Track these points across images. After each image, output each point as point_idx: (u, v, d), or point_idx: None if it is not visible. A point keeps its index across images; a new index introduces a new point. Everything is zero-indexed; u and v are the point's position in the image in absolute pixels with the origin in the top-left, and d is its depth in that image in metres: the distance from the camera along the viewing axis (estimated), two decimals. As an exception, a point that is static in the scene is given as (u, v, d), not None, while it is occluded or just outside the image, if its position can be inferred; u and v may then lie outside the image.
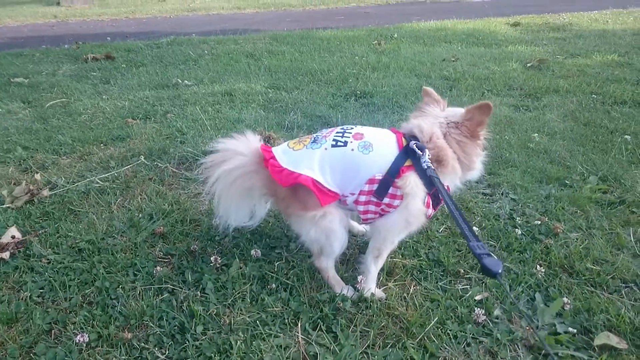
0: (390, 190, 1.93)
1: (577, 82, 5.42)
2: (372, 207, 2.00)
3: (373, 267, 2.14)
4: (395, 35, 8.65)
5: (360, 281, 2.11)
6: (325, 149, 1.97)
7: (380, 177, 1.93)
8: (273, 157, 2.01)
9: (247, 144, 2.16)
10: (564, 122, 4.21)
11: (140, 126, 4.14)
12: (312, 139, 2.06)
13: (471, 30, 9.07)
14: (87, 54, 6.95)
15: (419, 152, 1.91)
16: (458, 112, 2.09)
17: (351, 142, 1.96)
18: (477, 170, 2.12)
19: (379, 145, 1.97)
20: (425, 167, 1.88)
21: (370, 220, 2.10)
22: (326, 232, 2.00)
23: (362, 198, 1.97)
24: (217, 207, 2.22)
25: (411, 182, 1.91)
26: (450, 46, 7.78)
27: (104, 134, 3.93)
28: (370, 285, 2.15)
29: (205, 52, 7.29)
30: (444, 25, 9.95)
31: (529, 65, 6.26)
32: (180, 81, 5.60)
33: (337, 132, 2.03)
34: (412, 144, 1.94)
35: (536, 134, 3.90)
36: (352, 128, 2.05)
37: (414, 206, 1.95)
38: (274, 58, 6.87)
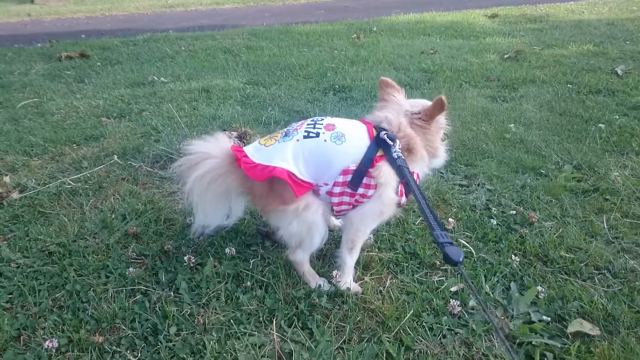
0: (365, 180, 1.94)
1: (553, 73, 5.49)
2: (346, 198, 2.00)
3: (349, 259, 2.14)
4: (375, 29, 8.64)
5: (336, 276, 2.10)
6: (298, 140, 1.96)
7: (354, 168, 1.93)
8: (245, 156, 1.98)
9: (218, 145, 2.11)
10: (540, 112, 4.25)
11: (115, 125, 4.06)
12: (284, 133, 2.04)
13: (450, 23, 9.10)
14: (61, 52, 6.79)
15: (389, 141, 1.93)
16: (420, 102, 2.14)
17: (323, 133, 1.96)
18: (441, 157, 2.17)
19: (351, 136, 1.97)
20: (396, 156, 1.90)
21: (343, 212, 2.10)
22: (308, 225, 1.99)
23: (337, 189, 1.97)
24: (196, 213, 2.17)
25: (384, 172, 1.93)
26: (429, 39, 7.80)
27: (77, 134, 3.84)
28: (347, 279, 2.14)
29: (182, 48, 7.19)
30: (423, 18, 9.97)
31: (506, 56, 6.30)
32: (156, 78, 5.51)
33: (308, 124, 2.03)
34: (383, 134, 1.96)
35: (512, 125, 3.93)
36: (322, 119, 2.05)
37: (387, 196, 1.98)
38: (253, 53, 6.81)
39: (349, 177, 1.94)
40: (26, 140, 3.73)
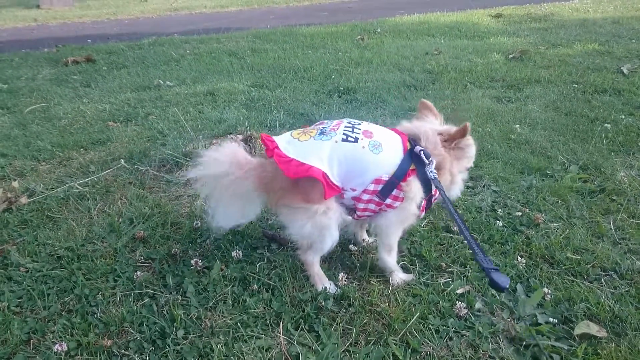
0: (394, 192, 1.97)
1: (558, 72, 5.46)
2: (372, 206, 2.03)
3: (389, 260, 2.20)
4: (379, 30, 8.64)
5: (342, 279, 2.15)
6: (336, 141, 1.94)
7: (386, 179, 1.95)
8: (277, 147, 1.95)
9: (230, 152, 2.09)
10: (545, 113, 4.24)
11: (121, 129, 4.09)
12: (319, 130, 2.01)
13: (454, 23, 9.09)
14: (68, 57, 6.86)
15: (426, 160, 1.95)
16: (451, 129, 2.15)
17: (362, 139, 1.96)
18: (457, 185, 2.18)
19: (388, 147, 1.99)
20: (432, 177, 1.93)
21: (364, 217, 2.15)
22: (321, 228, 1.99)
23: (365, 197, 1.99)
24: (214, 215, 2.14)
25: (414, 187, 1.97)
26: (433, 39, 7.80)
27: (84, 139, 3.88)
28: (396, 275, 2.21)
29: (188, 52, 7.23)
30: (427, 18, 9.97)
31: (511, 56, 6.28)
32: (162, 82, 5.55)
33: (346, 127, 2.01)
34: (419, 150, 1.97)
35: (518, 125, 3.92)
36: (359, 124, 2.05)
37: (409, 209, 2.03)
38: (257, 56, 6.83)
39: (380, 187, 1.96)
40: (34, 145, 3.77)
